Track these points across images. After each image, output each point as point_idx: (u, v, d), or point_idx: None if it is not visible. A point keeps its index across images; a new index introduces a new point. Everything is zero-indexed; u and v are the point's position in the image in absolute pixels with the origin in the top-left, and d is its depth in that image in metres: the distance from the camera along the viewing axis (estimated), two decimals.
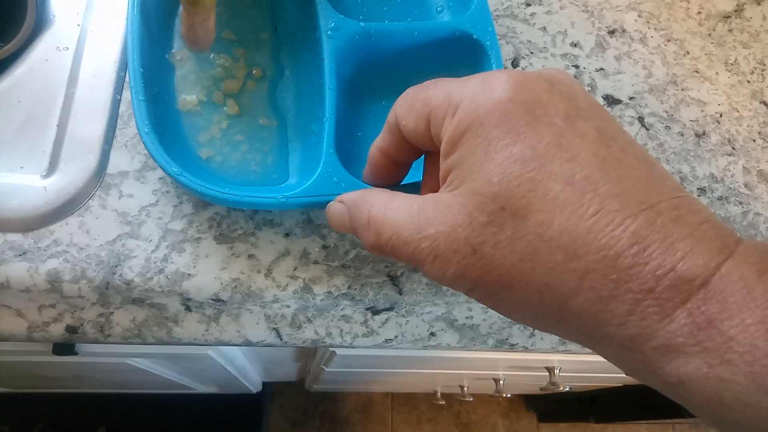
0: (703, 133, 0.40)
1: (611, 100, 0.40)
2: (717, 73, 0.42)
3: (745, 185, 0.39)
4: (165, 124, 0.31)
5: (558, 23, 0.42)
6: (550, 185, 0.19)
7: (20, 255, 0.29)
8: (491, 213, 0.20)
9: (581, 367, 0.71)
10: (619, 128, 0.21)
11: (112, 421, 1.05)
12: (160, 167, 0.28)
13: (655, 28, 0.43)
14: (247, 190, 0.32)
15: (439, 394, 0.99)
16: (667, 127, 0.40)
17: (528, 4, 0.42)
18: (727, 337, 0.17)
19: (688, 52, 0.42)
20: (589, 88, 0.40)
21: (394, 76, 0.36)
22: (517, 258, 0.19)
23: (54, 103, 0.32)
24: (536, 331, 0.36)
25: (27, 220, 0.29)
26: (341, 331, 0.33)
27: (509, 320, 0.35)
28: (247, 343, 0.32)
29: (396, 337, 0.34)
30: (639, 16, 0.43)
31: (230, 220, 0.32)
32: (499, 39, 0.39)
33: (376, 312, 0.33)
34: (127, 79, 0.33)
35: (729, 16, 0.44)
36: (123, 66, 0.34)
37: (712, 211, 0.33)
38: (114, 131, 0.32)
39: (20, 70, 0.33)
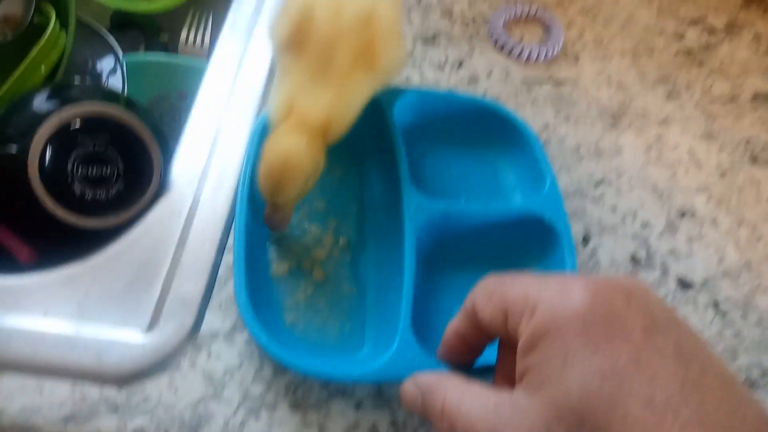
0: None
1: (683, 284, 0.40)
2: None
3: None
4: (258, 289, 0.33)
5: (628, 203, 0.43)
6: (629, 406, 0.19)
7: (113, 410, 0.31)
8: (570, 427, 0.20)
9: None
10: (697, 342, 0.22)
11: None
12: (251, 335, 0.30)
13: (725, 211, 0.44)
14: (325, 358, 0.33)
15: None
16: (744, 315, 0.39)
17: (597, 185, 0.44)
18: None
19: (761, 237, 0.43)
20: (661, 270, 0.40)
21: (469, 251, 0.38)
22: None
23: (162, 263, 0.36)
24: None
25: (123, 376, 0.32)
26: None
27: None
28: None
29: None
30: (709, 198, 0.44)
31: (305, 387, 0.33)
32: (570, 216, 0.41)
33: None
34: (228, 243, 0.37)
35: None
36: (226, 231, 0.38)
37: None
38: (212, 292, 0.35)
39: (137, 231, 0.37)
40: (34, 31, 0.48)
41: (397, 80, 0.49)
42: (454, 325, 0.29)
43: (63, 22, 0.49)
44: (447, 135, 0.44)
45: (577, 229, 0.42)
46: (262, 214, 0.35)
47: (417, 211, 0.36)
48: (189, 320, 0.34)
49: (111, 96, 0.46)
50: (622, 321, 0.21)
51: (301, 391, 0.33)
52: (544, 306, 0.23)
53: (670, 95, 0.51)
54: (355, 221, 0.40)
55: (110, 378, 0.32)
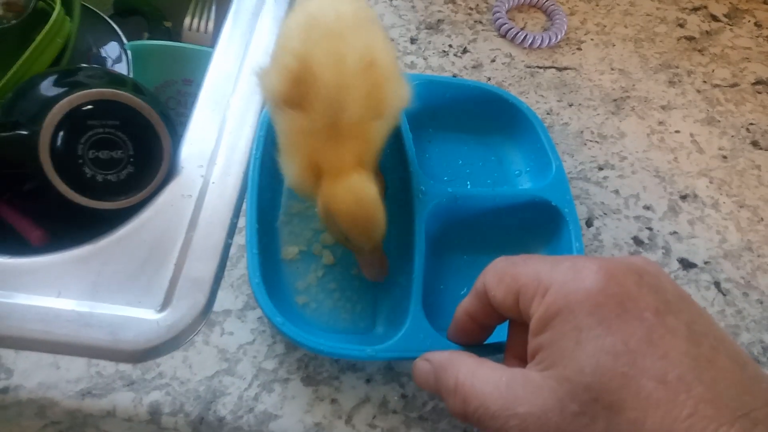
0: None
1: (686, 264, 0.41)
2: None
3: None
4: (270, 271, 0.34)
5: (630, 187, 0.44)
6: (643, 382, 0.20)
7: (128, 385, 0.32)
8: (583, 403, 0.21)
9: None
10: (709, 321, 0.22)
11: None
12: (266, 317, 0.30)
13: (727, 195, 0.44)
14: (338, 338, 0.34)
15: None
16: (745, 294, 0.40)
17: (601, 168, 0.45)
18: None
19: (762, 219, 0.43)
20: (664, 251, 0.41)
21: (476, 234, 0.39)
22: None
23: (174, 244, 0.36)
24: None
25: (138, 352, 0.32)
26: None
27: None
28: None
29: None
30: (710, 182, 0.45)
31: (317, 363, 0.34)
32: (574, 199, 0.42)
33: None
34: (238, 225, 0.38)
35: None
36: (236, 213, 0.38)
37: None
38: (223, 272, 0.36)
39: (148, 213, 0.38)
40: (38, 16, 0.48)
41: (402, 67, 0.49)
42: (465, 305, 0.29)
43: (67, 7, 0.49)
44: (453, 121, 0.44)
45: (581, 212, 0.42)
46: (272, 200, 0.35)
47: (425, 196, 0.37)
48: (202, 299, 0.34)
49: (119, 80, 0.46)
50: (635, 301, 0.22)
51: (313, 366, 0.33)
52: (557, 287, 0.23)
53: (672, 81, 0.51)
54: None
55: (125, 355, 0.32)
